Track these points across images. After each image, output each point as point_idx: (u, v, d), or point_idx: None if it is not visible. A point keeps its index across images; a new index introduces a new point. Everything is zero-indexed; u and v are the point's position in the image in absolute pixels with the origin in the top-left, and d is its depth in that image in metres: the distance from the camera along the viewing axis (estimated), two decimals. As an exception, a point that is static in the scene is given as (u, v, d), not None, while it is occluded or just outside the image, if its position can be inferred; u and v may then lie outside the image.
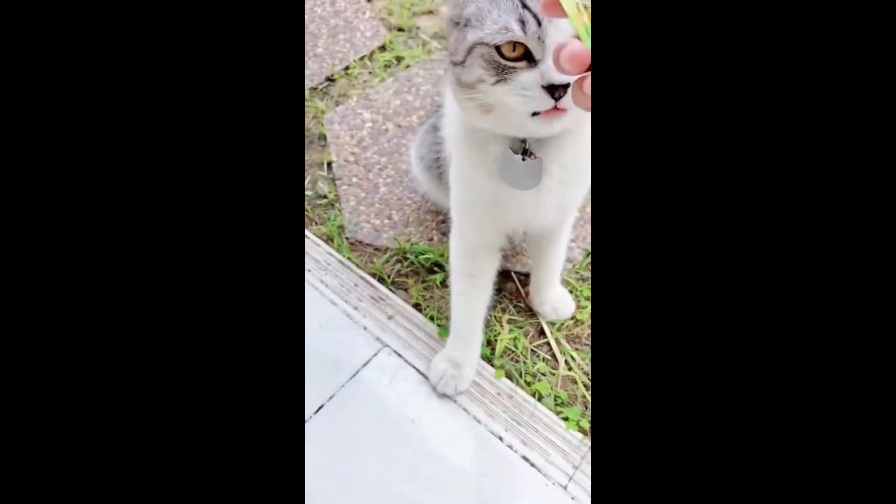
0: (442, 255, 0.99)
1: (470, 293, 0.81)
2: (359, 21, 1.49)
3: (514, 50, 0.54)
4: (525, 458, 0.78)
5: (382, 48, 1.42)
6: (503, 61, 0.55)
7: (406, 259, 1.01)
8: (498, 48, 0.54)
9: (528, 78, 0.54)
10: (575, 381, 0.87)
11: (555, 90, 0.53)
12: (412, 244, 1.02)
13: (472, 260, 0.78)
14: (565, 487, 0.76)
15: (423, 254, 1.00)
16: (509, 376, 0.87)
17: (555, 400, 0.85)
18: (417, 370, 0.86)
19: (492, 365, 0.88)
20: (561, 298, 0.94)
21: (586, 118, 0.60)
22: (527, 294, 0.96)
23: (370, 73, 1.37)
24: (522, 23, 0.53)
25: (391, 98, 1.29)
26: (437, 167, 0.91)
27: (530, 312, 0.95)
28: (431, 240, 1.04)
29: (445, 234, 1.03)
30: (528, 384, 0.86)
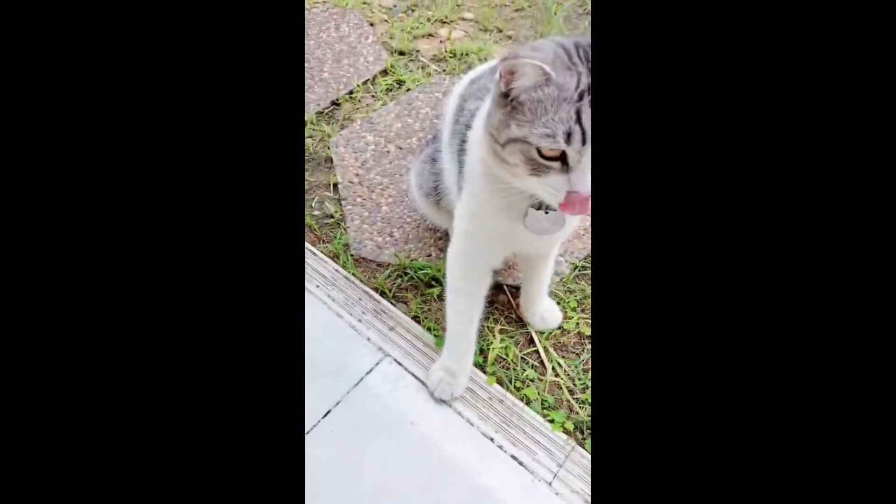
0: (439, 270, 1.08)
1: (465, 310, 0.88)
2: (362, 46, 1.58)
3: (551, 151, 0.59)
4: (514, 457, 0.86)
5: (384, 72, 1.51)
6: (540, 160, 0.59)
7: (406, 274, 1.09)
8: (538, 149, 0.59)
9: (558, 180, 0.60)
10: (560, 387, 0.95)
11: (575, 195, 0.59)
12: (412, 260, 1.10)
13: (469, 280, 0.86)
14: (550, 483, 0.84)
15: (421, 269, 1.09)
16: (500, 382, 0.95)
17: (542, 404, 0.93)
18: (416, 377, 0.94)
19: (484, 372, 0.96)
20: (549, 309, 1.01)
21: None
22: (517, 306, 1.04)
23: (373, 96, 1.46)
24: (569, 135, 0.57)
25: (392, 121, 1.38)
26: (435, 194, 0.99)
27: (521, 323, 1.03)
28: (430, 255, 1.12)
29: (443, 250, 1.11)
30: (518, 389, 0.94)
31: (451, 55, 1.59)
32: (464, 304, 0.88)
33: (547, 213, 0.70)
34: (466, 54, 1.59)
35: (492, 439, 0.87)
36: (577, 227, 1.15)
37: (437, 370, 0.92)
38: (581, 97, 0.57)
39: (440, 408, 0.91)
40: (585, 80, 0.58)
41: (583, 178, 0.59)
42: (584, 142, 0.57)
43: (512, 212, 0.72)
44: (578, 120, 0.57)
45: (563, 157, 0.59)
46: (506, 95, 0.61)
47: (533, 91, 0.58)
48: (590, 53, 0.60)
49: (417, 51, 1.63)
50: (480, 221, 0.78)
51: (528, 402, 0.92)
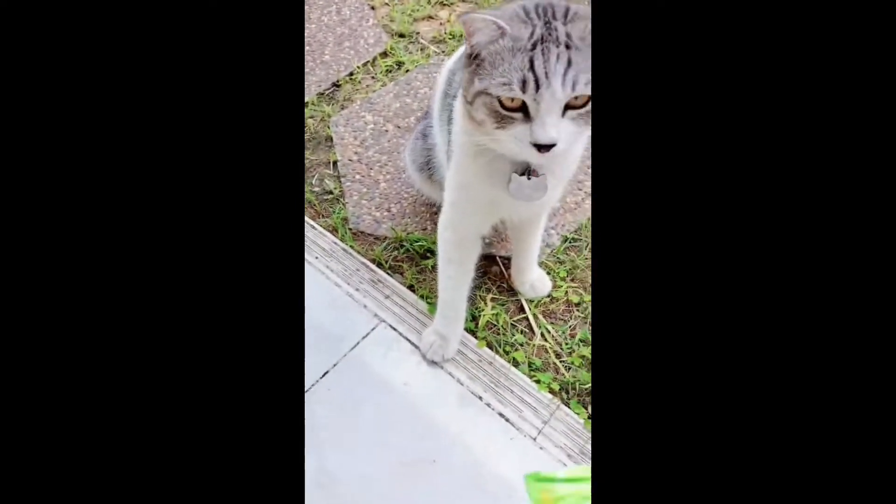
0: (434, 242, 1.12)
1: (455, 277, 0.92)
2: (363, 28, 1.61)
3: (512, 101, 0.62)
4: (501, 415, 0.90)
5: (384, 54, 1.55)
6: (503, 111, 0.63)
7: (402, 246, 1.14)
8: (499, 99, 0.62)
9: (520, 131, 0.63)
10: (547, 351, 0.99)
11: (540, 147, 0.62)
12: (408, 233, 1.15)
13: (459, 249, 0.90)
14: (535, 439, 0.88)
15: (417, 241, 1.13)
16: (490, 346, 0.99)
17: (529, 366, 0.97)
18: (410, 342, 0.99)
19: (475, 336, 1.00)
20: (539, 279, 1.05)
21: (577, 141, 0.69)
22: (509, 276, 1.08)
23: (373, 77, 1.50)
24: (524, 83, 0.60)
25: (391, 101, 1.42)
26: (427, 169, 1.03)
27: (512, 292, 1.07)
28: (425, 229, 1.16)
29: (437, 223, 1.15)
30: (507, 353, 0.99)
31: (451, 37, 1.62)
32: (454, 272, 0.92)
33: (529, 178, 0.73)
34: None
35: (480, 398, 0.92)
36: (563, 197, 1.19)
37: (430, 334, 0.96)
38: (534, 46, 0.61)
39: (432, 369, 0.96)
40: (540, 31, 0.61)
41: (542, 127, 0.62)
42: (537, 88, 0.60)
43: (495, 178, 0.75)
44: (532, 67, 0.60)
45: (524, 108, 0.62)
46: (470, 55, 0.64)
47: (491, 45, 0.62)
48: (550, 10, 0.64)
49: (417, 33, 1.66)
50: (467, 190, 0.82)
51: (516, 365, 0.97)
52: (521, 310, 1.05)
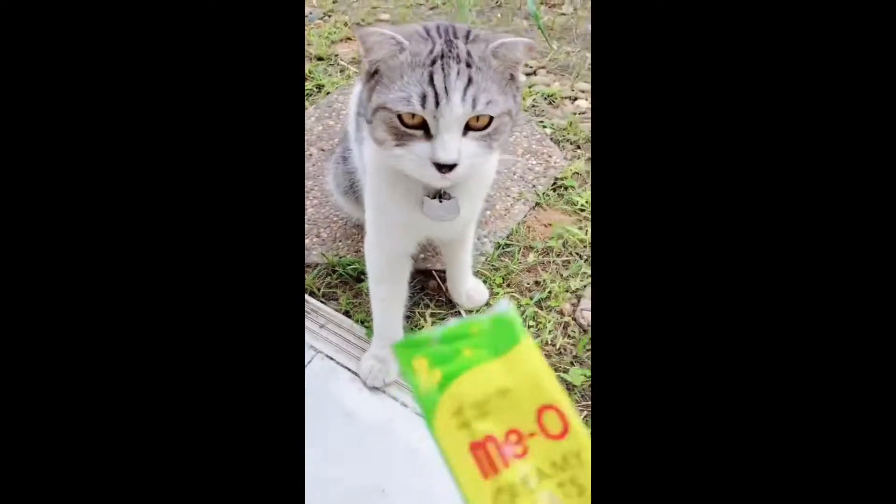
0: (367, 264, 1.10)
1: (388, 298, 0.90)
2: (279, 55, 1.59)
3: (412, 118, 0.60)
4: (448, 433, 0.88)
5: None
6: (403, 128, 0.60)
7: (335, 272, 1.11)
8: (399, 115, 0.60)
9: (421, 149, 0.61)
10: (490, 360, 0.98)
11: (441, 167, 0.60)
12: (340, 257, 1.12)
13: (388, 268, 0.88)
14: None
15: (350, 265, 1.10)
16: (432, 363, 0.97)
17: (473, 379, 0.96)
18: (349, 370, 0.96)
19: (416, 356, 0.98)
20: (475, 288, 1.05)
21: (483, 165, 0.67)
22: (447, 289, 1.07)
23: (293, 103, 1.47)
24: (424, 97, 0.58)
25: (314, 125, 1.39)
26: (352, 192, 1.01)
27: (451, 304, 1.06)
28: (358, 251, 1.14)
29: (369, 244, 1.13)
30: (450, 368, 0.97)
31: (370, 56, 1.61)
32: (386, 292, 0.90)
33: (441, 201, 0.72)
34: (384, 54, 1.61)
35: (426, 418, 0.90)
36: (485, 210, 1.19)
37: (368, 359, 0.93)
38: (434, 62, 0.59)
39: (375, 395, 0.93)
40: (440, 48, 0.60)
41: (442, 145, 0.60)
42: (437, 104, 0.58)
43: (409, 200, 0.74)
44: (431, 82, 0.58)
45: (425, 126, 0.60)
46: (369, 72, 0.63)
47: (390, 60, 0.61)
48: (451, 30, 0.63)
49: (336, 55, 1.65)
50: (384, 212, 0.80)
51: (459, 379, 0.95)
52: (461, 322, 1.04)
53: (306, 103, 1.46)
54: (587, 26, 1.73)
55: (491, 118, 0.62)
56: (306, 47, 1.64)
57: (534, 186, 1.26)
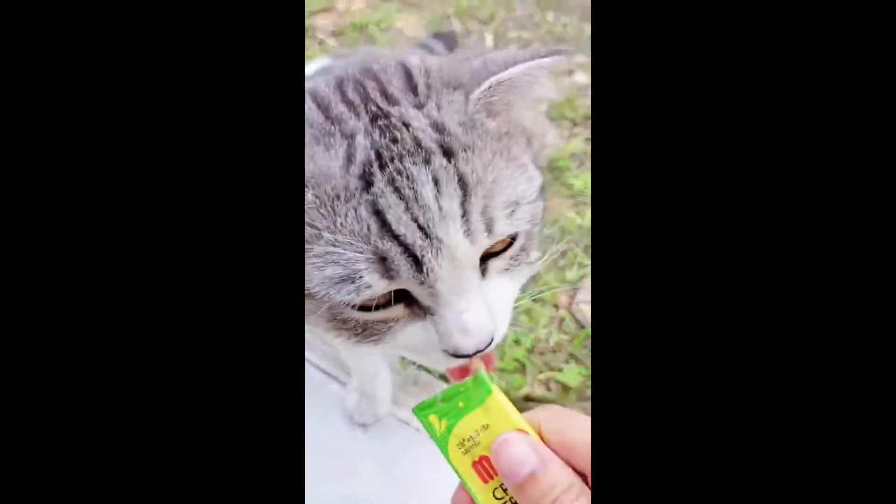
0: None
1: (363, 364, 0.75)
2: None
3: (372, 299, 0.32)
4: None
5: (278, 53, 1.42)
6: (363, 315, 0.33)
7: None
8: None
9: (416, 337, 0.34)
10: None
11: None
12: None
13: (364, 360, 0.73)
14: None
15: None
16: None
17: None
18: (320, 368, 0.88)
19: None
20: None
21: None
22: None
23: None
24: (384, 261, 0.30)
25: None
26: None
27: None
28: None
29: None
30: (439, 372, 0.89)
31: (352, 28, 1.51)
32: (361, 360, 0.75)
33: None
34: (366, 26, 1.51)
35: (418, 429, 0.83)
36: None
37: (353, 392, 0.82)
38: (368, 180, 0.31)
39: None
40: (365, 137, 0.31)
41: (461, 327, 0.32)
42: (416, 264, 0.30)
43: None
44: (384, 226, 0.30)
45: (406, 296, 0.33)
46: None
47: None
48: (373, 84, 0.34)
49: (314, 27, 1.54)
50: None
51: (446, 380, 0.88)
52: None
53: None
54: (584, -5, 1.62)
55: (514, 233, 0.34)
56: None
57: (527, 168, 1.17)
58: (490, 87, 0.33)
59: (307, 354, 0.89)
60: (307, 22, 1.53)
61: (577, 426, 0.31)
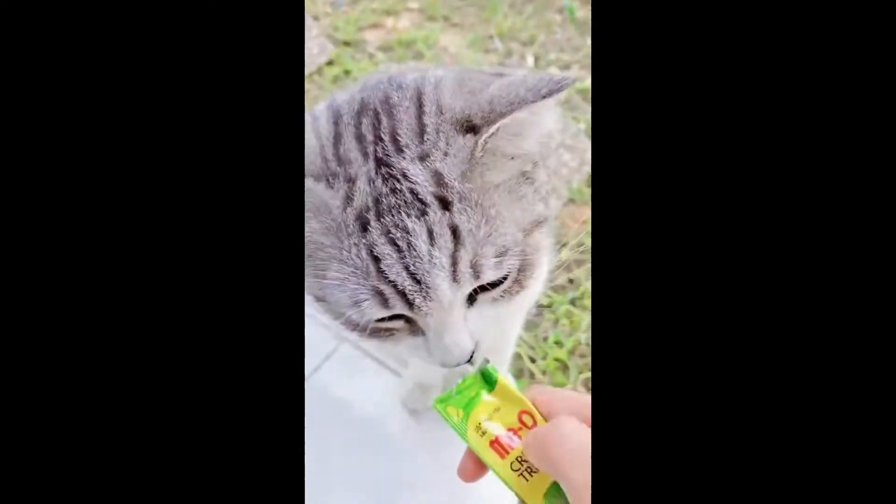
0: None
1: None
2: (306, 39, 1.56)
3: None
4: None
5: (330, 63, 1.49)
6: (371, 325, 0.38)
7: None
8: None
9: (411, 345, 0.40)
10: (521, 357, 0.95)
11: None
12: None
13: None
14: (516, 452, 0.84)
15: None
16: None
17: (504, 375, 0.93)
18: (378, 360, 0.93)
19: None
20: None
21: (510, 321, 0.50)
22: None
23: (319, 87, 1.44)
24: (382, 295, 0.35)
25: (341, 110, 1.36)
26: None
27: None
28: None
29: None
30: (480, 363, 0.94)
31: (399, 44, 1.58)
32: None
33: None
34: (414, 42, 1.59)
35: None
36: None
37: (410, 381, 0.85)
38: (364, 224, 0.34)
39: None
40: (365, 191, 0.34)
41: (443, 349, 0.37)
42: (407, 302, 0.35)
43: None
44: (380, 271, 0.34)
45: (403, 315, 0.38)
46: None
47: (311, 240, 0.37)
48: (375, 116, 0.37)
49: (364, 41, 1.62)
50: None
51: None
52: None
53: (333, 87, 1.43)
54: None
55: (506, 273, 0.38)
56: (333, 32, 1.61)
57: (567, 182, 1.23)
58: (497, 130, 0.35)
59: (364, 346, 0.94)
60: (357, 36, 1.61)
61: (560, 396, 0.37)
